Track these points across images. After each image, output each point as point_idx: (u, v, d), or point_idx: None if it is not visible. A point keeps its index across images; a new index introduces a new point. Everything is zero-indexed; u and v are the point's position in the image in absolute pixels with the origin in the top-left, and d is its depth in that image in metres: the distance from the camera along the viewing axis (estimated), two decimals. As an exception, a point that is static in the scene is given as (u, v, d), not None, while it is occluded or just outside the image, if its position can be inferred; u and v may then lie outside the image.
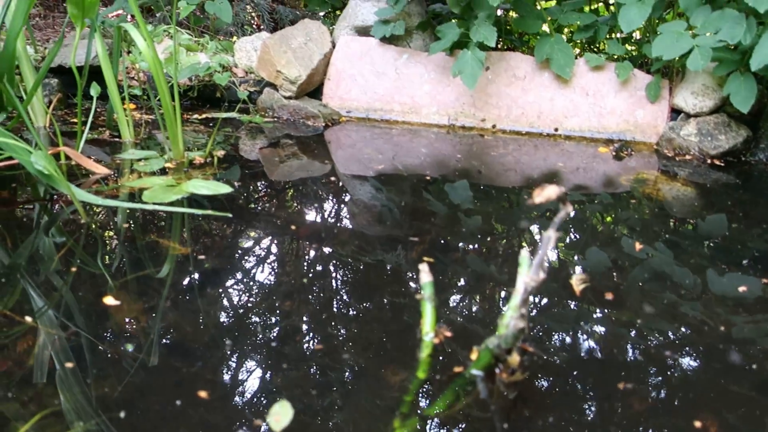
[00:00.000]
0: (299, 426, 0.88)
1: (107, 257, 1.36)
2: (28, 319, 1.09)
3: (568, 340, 1.16)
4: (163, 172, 1.95)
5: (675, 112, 2.63)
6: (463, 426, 0.91)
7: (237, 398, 0.93)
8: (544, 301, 1.30)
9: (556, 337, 1.17)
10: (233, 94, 2.91)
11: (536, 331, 1.18)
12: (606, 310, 1.26)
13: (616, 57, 2.77)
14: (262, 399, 0.93)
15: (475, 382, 1.00)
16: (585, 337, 1.17)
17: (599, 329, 1.20)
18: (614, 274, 1.43)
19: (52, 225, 1.52)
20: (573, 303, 1.28)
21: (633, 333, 1.18)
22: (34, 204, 1.66)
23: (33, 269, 1.28)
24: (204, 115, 2.77)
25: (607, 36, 2.77)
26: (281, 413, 0.90)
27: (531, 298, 1.29)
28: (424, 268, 1.14)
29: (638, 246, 1.58)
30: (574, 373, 1.05)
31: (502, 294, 1.34)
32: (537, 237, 1.63)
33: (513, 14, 3.11)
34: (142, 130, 2.48)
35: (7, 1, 1.96)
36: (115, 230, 1.53)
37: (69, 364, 0.97)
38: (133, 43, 2.92)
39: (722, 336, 1.17)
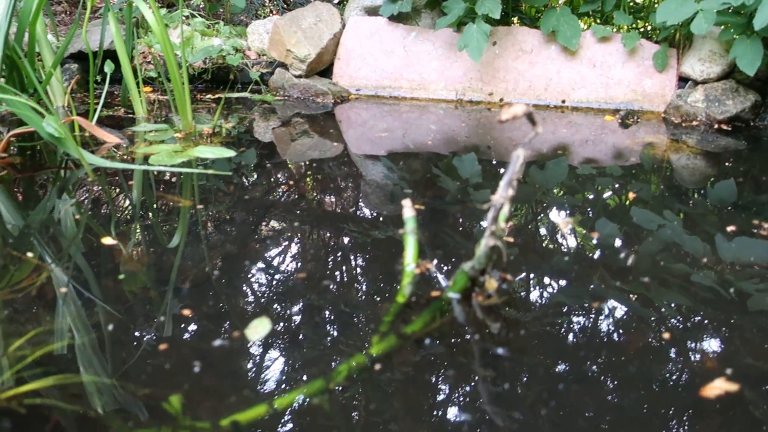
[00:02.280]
0: (278, 338, 0.92)
1: (115, 209, 1.43)
2: (30, 254, 1.16)
3: (553, 275, 1.18)
4: (174, 141, 2.02)
5: (683, 81, 2.62)
6: (437, 344, 0.94)
7: (219, 315, 0.98)
8: (533, 241, 1.32)
9: (540, 271, 1.19)
10: (246, 75, 2.98)
11: (522, 267, 1.20)
12: (610, 271, 1.28)
13: (623, 28, 2.76)
14: (245, 315, 0.98)
15: (452, 305, 1.03)
16: (574, 276, 1.19)
17: (595, 278, 1.22)
18: (624, 242, 1.45)
19: (64, 185, 1.60)
20: (563, 244, 1.31)
21: (633, 293, 1.20)
22: (46, 169, 1.74)
23: (45, 223, 1.35)
24: (217, 95, 2.84)
25: (614, 8, 2.76)
26: (259, 326, 0.94)
27: (522, 254, 1.31)
28: (406, 203, 1.18)
29: (646, 212, 1.59)
30: (554, 302, 1.08)
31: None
32: (548, 210, 1.66)
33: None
34: (157, 110, 2.56)
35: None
36: (124, 189, 1.60)
37: (63, 289, 1.03)
38: (148, 27, 3.00)
39: (731, 302, 1.17)
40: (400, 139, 2.26)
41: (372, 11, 3.01)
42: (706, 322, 1.02)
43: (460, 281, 1.04)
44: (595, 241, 1.32)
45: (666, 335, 0.96)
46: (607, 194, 1.70)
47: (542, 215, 1.53)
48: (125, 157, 1.82)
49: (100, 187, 1.57)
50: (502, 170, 1.91)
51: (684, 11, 2.28)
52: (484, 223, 1.39)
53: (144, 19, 3.04)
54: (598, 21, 3.01)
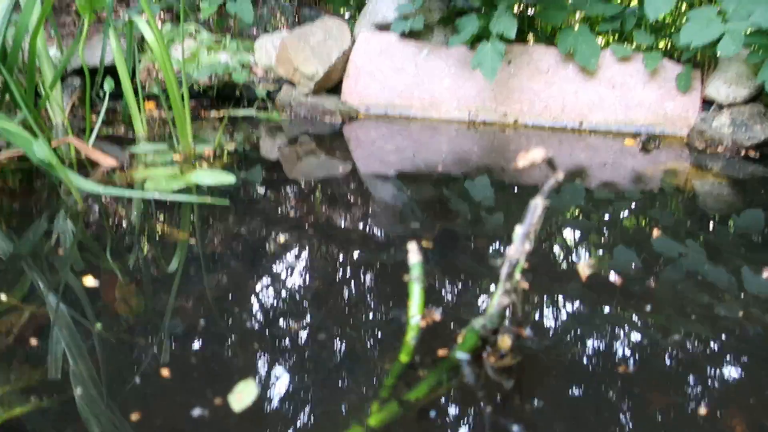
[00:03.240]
0: (265, 406, 0.82)
1: (104, 243, 1.33)
2: (3, 297, 1.07)
3: (569, 328, 1.07)
4: (172, 164, 1.93)
5: (707, 103, 2.51)
6: (444, 412, 0.84)
7: (200, 375, 0.88)
8: (548, 288, 1.22)
9: (557, 325, 1.08)
10: (252, 92, 2.90)
11: (537, 319, 1.10)
12: (622, 303, 1.17)
13: (644, 47, 2.66)
14: (230, 377, 0.88)
15: (461, 366, 0.93)
16: (591, 327, 1.08)
17: (612, 323, 1.11)
18: (642, 270, 1.34)
19: (54, 213, 1.51)
20: (579, 290, 1.20)
21: (651, 329, 1.09)
22: (40, 193, 1.65)
23: (28, 253, 1.26)
24: (222, 113, 2.76)
25: (635, 27, 2.65)
26: (244, 392, 0.84)
27: (537, 289, 1.21)
28: (412, 247, 1.08)
29: (666, 241, 1.49)
30: (572, 360, 0.97)
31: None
32: (563, 236, 1.55)
33: (537, 7, 3.02)
34: (157, 126, 2.48)
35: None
36: (116, 218, 1.51)
37: (34, 341, 0.94)
38: (154, 43, 2.93)
39: (755, 336, 1.07)
40: (411, 160, 2.16)
41: (383, 27, 2.92)
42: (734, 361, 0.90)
43: (470, 340, 0.93)
44: (615, 277, 1.21)
45: (701, 395, 0.85)
46: (625, 221, 1.59)
47: (559, 250, 1.42)
48: (122, 181, 1.73)
49: (90, 216, 1.48)
50: (515, 192, 1.81)
51: (710, 33, 2.17)
52: (499, 265, 1.29)
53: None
54: (615, 39, 2.90)
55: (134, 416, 0.79)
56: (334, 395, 0.86)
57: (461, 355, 0.94)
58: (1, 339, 0.95)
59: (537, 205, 0.85)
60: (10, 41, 2.05)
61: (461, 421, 0.81)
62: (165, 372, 0.88)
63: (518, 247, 0.85)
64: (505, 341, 0.94)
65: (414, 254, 1.07)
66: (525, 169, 0.83)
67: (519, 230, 0.89)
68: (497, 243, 1.42)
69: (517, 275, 0.90)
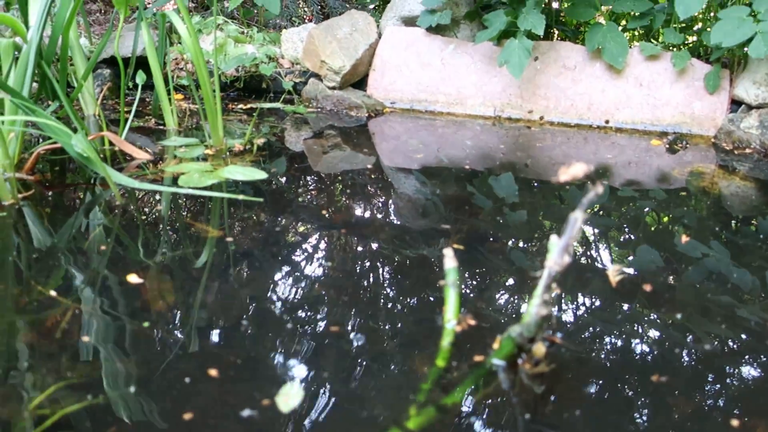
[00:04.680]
0: (310, 407, 0.85)
1: (140, 238, 1.37)
2: (53, 293, 1.10)
3: (601, 334, 1.09)
4: (204, 158, 1.96)
5: (735, 104, 2.49)
6: (481, 417, 0.86)
7: (249, 378, 0.91)
8: (580, 293, 1.24)
9: (589, 330, 1.10)
10: (279, 84, 2.92)
11: (569, 324, 1.12)
12: (651, 308, 1.19)
13: (673, 46, 2.64)
14: (275, 379, 0.91)
15: (497, 373, 0.95)
16: (621, 332, 1.10)
17: (638, 326, 1.13)
18: (667, 273, 1.35)
19: (90, 207, 1.55)
20: (610, 296, 1.22)
21: (678, 332, 1.11)
22: (77, 187, 1.69)
23: (68, 248, 1.30)
24: (249, 105, 2.78)
25: (664, 25, 2.64)
26: (290, 394, 0.87)
27: (567, 292, 1.23)
28: (448, 253, 1.10)
29: (692, 243, 1.50)
30: (605, 367, 0.99)
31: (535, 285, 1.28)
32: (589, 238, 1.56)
33: (565, 4, 3.01)
34: (187, 119, 2.51)
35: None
36: (150, 212, 1.54)
37: (85, 338, 0.98)
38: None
39: None
40: (435, 155, 2.18)
41: (409, 21, 2.92)
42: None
43: (506, 347, 0.96)
44: (643, 281, 1.22)
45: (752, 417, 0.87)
46: (649, 220, 1.60)
47: (587, 252, 1.44)
48: (155, 175, 1.77)
49: (126, 211, 1.52)
50: (536, 189, 1.82)
51: (741, 33, 2.16)
52: (537, 276, 1.31)
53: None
54: (642, 36, 2.89)
55: (167, 404, 0.82)
56: (372, 398, 0.89)
57: (497, 362, 0.96)
58: (42, 331, 0.98)
59: (576, 218, 0.87)
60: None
61: (496, 427, 0.84)
62: (212, 372, 0.91)
63: (557, 259, 0.87)
64: (539, 349, 0.97)
65: (450, 260, 1.09)
66: (566, 183, 0.84)
67: (557, 241, 0.90)
68: (527, 245, 1.44)
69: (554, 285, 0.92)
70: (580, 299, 1.21)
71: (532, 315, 0.91)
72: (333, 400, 0.88)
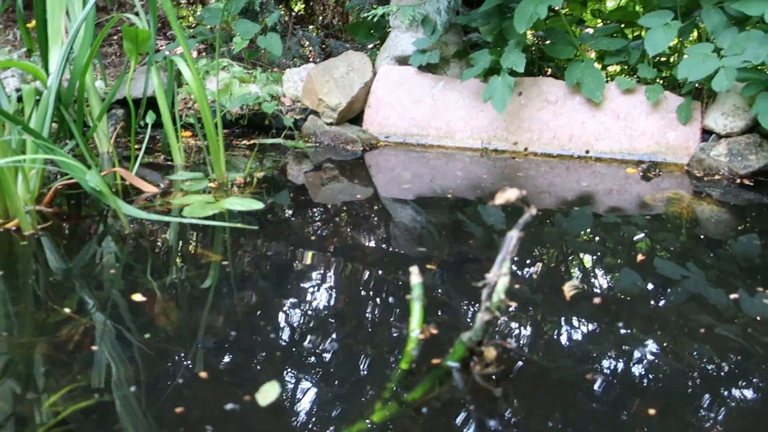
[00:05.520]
0: (287, 402, 1.00)
1: (145, 263, 1.53)
2: (67, 310, 1.26)
3: (554, 341, 1.23)
4: (208, 191, 2.13)
5: (706, 133, 2.64)
6: (436, 411, 1.00)
7: (232, 377, 1.06)
8: (537, 306, 1.38)
9: (544, 337, 1.24)
10: (280, 121, 3.11)
11: (521, 331, 1.26)
12: (620, 326, 1.33)
13: (647, 81, 2.81)
14: (256, 378, 1.06)
15: (451, 373, 1.09)
16: (573, 341, 1.24)
17: (601, 340, 1.27)
18: (646, 295, 1.49)
19: (103, 236, 1.72)
20: (562, 308, 1.36)
21: (638, 345, 1.25)
22: (91, 218, 1.87)
23: (81, 273, 1.46)
24: (252, 141, 2.97)
25: (639, 61, 2.81)
26: (270, 391, 1.02)
27: (525, 305, 1.37)
28: (414, 270, 1.25)
29: (669, 264, 1.64)
30: (551, 369, 1.13)
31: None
32: (572, 257, 1.71)
33: (546, 42, 3.20)
34: (193, 155, 2.69)
35: (70, 42, 2.19)
36: (156, 240, 1.71)
37: (94, 347, 1.13)
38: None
39: (754, 356, 1.21)
40: (428, 185, 2.34)
41: (402, 61, 3.12)
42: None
43: (459, 351, 1.10)
44: (604, 293, 1.36)
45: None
46: (629, 244, 1.74)
47: (559, 268, 1.58)
48: (162, 207, 1.94)
49: (135, 239, 1.69)
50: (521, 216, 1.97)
51: (706, 68, 2.32)
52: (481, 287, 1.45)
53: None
54: (624, 72, 3.06)
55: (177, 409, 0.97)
56: (344, 395, 1.03)
57: (452, 364, 1.11)
58: (58, 347, 1.14)
59: (512, 236, 1.02)
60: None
61: (452, 420, 0.98)
62: (202, 374, 1.06)
63: (496, 271, 1.02)
64: (490, 352, 1.11)
65: (415, 276, 1.24)
66: (500, 205, 0.97)
67: (498, 257, 1.05)
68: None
69: (502, 295, 1.06)
70: (538, 311, 1.35)
71: (478, 321, 1.05)
72: (309, 396, 1.02)
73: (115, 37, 4.76)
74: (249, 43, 3.53)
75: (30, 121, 2.03)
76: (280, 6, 4.37)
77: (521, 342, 1.22)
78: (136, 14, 2.51)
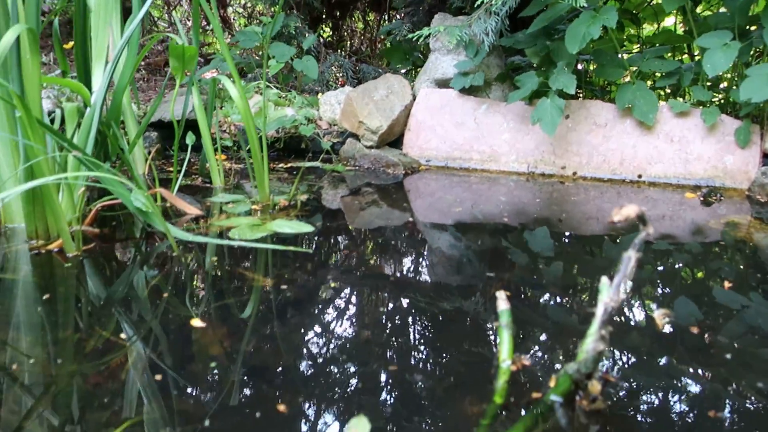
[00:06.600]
0: (375, 441, 0.89)
1: (197, 287, 1.43)
2: (123, 336, 1.16)
3: (654, 375, 1.11)
4: (249, 214, 2.04)
5: (767, 157, 2.53)
6: (542, 452, 0.89)
7: (313, 410, 0.95)
8: (629, 337, 1.26)
9: (641, 371, 1.13)
10: (317, 144, 3.04)
11: (621, 363, 1.14)
12: (695, 351, 1.21)
13: (701, 103, 2.71)
14: (342, 418, 0.95)
15: (554, 409, 0.98)
16: (673, 374, 1.12)
17: (688, 369, 1.15)
18: (706, 324, 1.37)
19: (149, 258, 1.62)
20: (657, 339, 1.24)
21: (724, 378, 1.13)
22: (130, 240, 1.78)
23: (128, 296, 1.36)
24: (289, 165, 2.89)
25: (692, 83, 2.72)
26: (359, 426, 0.90)
27: (619, 339, 1.25)
28: (501, 296, 1.14)
29: (731, 294, 1.52)
30: (659, 405, 1.01)
31: (582, 330, 1.30)
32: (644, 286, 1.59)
33: (592, 65, 3.12)
34: (232, 178, 2.61)
35: (115, 59, 2.14)
36: (203, 263, 1.61)
37: (158, 377, 1.03)
38: (226, 98, 3.11)
39: None
40: (470, 211, 2.24)
41: (442, 83, 3.04)
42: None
43: (564, 384, 0.99)
44: (685, 327, 1.24)
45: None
46: (686, 272, 1.62)
47: (630, 299, 1.46)
48: (204, 229, 1.85)
49: (182, 262, 1.59)
50: (571, 243, 1.86)
51: (770, 89, 2.22)
52: (592, 313, 1.34)
53: (221, 90, 3.15)
54: (671, 95, 2.96)
55: (260, 446, 0.86)
56: (438, 432, 0.92)
57: (554, 398, 0.99)
58: (104, 371, 1.04)
59: (630, 257, 0.91)
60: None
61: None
62: (281, 408, 0.95)
63: (613, 295, 0.91)
64: (595, 386, 0.99)
65: (502, 302, 1.13)
66: (619, 223, 0.88)
67: (608, 281, 0.95)
68: (568, 292, 1.47)
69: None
70: (631, 341, 1.23)
71: (589, 351, 0.94)
72: (396, 434, 0.91)
73: (143, 63, 4.76)
74: (283, 66, 3.48)
75: (73, 138, 1.96)
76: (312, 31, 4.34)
77: (624, 374, 1.10)
78: (176, 33, 2.46)
